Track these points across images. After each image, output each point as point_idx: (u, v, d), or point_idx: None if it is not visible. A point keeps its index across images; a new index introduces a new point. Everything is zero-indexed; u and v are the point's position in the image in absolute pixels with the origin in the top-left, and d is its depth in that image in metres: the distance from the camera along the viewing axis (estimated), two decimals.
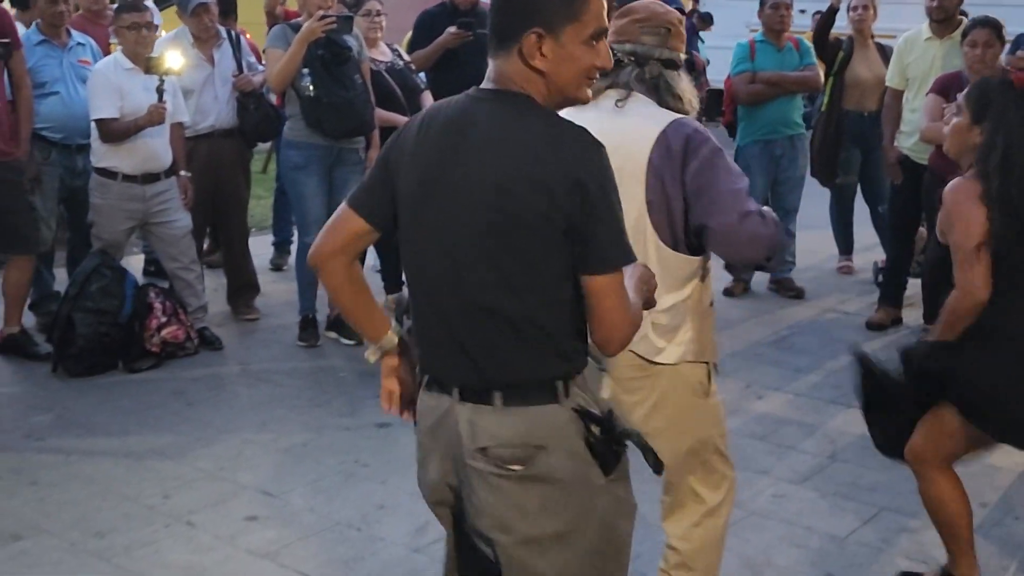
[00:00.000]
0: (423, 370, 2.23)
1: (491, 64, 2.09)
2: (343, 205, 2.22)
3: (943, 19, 6.04)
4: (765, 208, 2.71)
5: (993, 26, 5.44)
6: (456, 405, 2.13)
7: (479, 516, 2.14)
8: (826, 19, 6.80)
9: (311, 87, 5.39)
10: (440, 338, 2.13)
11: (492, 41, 2.07)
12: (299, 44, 5.32)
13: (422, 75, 6.31)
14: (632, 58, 2.77)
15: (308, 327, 5.82)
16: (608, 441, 2.12)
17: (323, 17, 5.30)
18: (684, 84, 2.81)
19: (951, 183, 3.24)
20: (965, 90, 3.39)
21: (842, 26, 6.87)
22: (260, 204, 8.58)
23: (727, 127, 7.48)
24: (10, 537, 3.76)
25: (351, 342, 5.76)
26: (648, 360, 2.79)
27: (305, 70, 5.39)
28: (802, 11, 10.53)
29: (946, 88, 5.51)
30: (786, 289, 6.92)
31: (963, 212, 3.14)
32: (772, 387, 5.33)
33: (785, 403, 5.13)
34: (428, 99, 6.05)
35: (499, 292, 2.05)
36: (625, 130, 2.66)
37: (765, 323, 6.44)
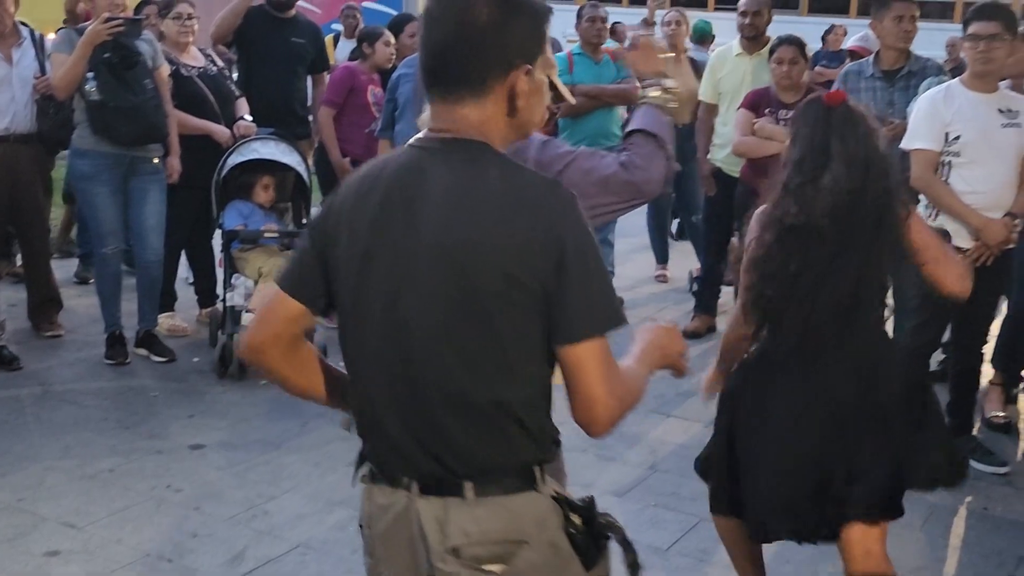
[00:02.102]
0: (370, 459, 1.92)
1: (440, 109, 1.81)
2: (272, 287, 1.92)
3: (753, 36, 6.25)
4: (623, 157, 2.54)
5: (797, 44, 5.66)
6: (417, 500, 1.83)
7: None
8: None
9: (96, 92, 5.16)
10: (390, 428, 1.83)
11: (449, 85, 1.79)
12: (83, 47, 5.12)
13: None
14: None
15: (115, 344, 5.54)
16: (590, 533, 1.88)
17: (108, 19, 5.09)
18: None
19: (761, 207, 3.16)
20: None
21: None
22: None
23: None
24: None
25: (163, 359, 5.52)
26: None
27: (90, 74, 5.17)
28: (617, 23, 10.76)
29: (756, 103, 5.71)
30: None
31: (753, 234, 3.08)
32: None
33: None
34: (243, 106, 5.88)
35: (462, 375, 1.76)
36: None
37: None
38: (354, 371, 1.89)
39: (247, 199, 5.70)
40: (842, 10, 13.28)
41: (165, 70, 5.50)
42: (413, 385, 1.79)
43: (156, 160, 5.49)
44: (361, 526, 1.97)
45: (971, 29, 4.35)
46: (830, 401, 2.96)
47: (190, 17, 5.83)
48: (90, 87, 5.18)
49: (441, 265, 1.73)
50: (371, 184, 1.82)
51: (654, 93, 2.63)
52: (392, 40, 6.41)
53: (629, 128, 2.55)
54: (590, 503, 1.92)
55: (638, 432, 4.91)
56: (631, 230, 7.75)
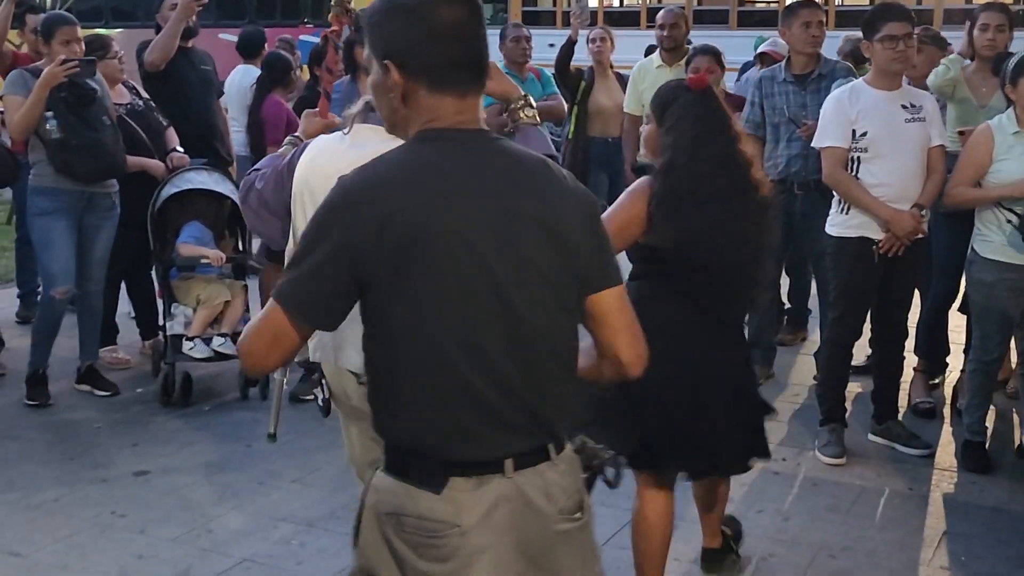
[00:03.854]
0: (451, 453, 1.94)
1: (459, 104, 1.95)
2: (280, 310, 1.90)
3: (672, 48, 6.44)
4: None
5: (713, 53, 5.84)
6: (514, 478, 1.94)
7: None
8: (566, 51, 7.09)
9: (57, 130, 5.21)
10: (490, 397, 1.92)
11: (473, 76, 1.97)
12: (41, 89, 5.16)
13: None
14: None
15: (38, 384, 5.49)
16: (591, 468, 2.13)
17: (64, 61, 5.16)
18: None
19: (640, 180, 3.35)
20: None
21: (580, 58, 7.19)
22: (4, 255, 8.17)
23: None
24: None
25: (106, 393, 5.55)
26: None
27: (49, 113, 5.21)
28: (551, 45, 10.94)
29: None
30: None
31: (626, 204, 3.23)
32: None
33: None
34: (172, 136, 5.92)
35: (560, 327, 1.98)
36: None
37: None
38: (443, 360, 1.91)
39: (201, 222, 5.77)
40: (771, 23, 13.54)
41: (112, 106, 5.55)
42: (523, 345, 1.93)
43: (113, 195, 5.54)
44: (433, 537, 1.93)
45: (886, 30, 4.48)
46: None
47: (120, 57, 5.90)
48: (51, 126, 5.22)
49: (532, 230, 1.92)
50: (434, 183, 1.90)
51: (527, 113, 2.76)
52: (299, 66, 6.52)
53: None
54: (583, 442, 2.14)
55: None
56: None
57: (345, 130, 2.80)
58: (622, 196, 3.31)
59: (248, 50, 7.69)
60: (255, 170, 3.01)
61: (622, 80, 7.20)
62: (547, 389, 1.97)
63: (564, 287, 1.96)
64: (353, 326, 2.00)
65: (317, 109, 3.38)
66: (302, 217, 2.75)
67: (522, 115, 2.75)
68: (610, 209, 3.26)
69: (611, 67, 7.31)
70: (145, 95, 6.05)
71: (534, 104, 2.80)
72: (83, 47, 5.40)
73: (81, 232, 5.46)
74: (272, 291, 1.93)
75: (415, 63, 1.93)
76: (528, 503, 1.96)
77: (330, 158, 2.72)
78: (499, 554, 1.95)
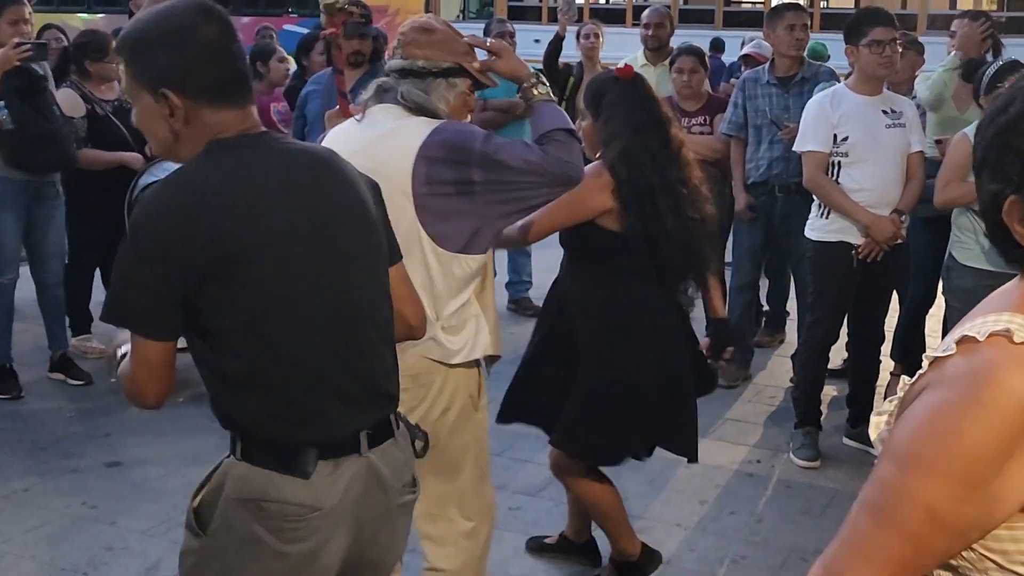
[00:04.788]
0: (315, 438, 2.02)
1: (242, 113, 2.02)
2: (144, 341, 1.95)
3: (657, 47, 6.44)
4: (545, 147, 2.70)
5: (696, 54, 5.83)
6: (369, 456, 2.07)
7: (387, 554, 2.21)
8: (554, 47, 7.08)
9: (9, 121, 5.08)
10: (340, 381, 2.04)
11: (246, 86, 2.05)
12: None
13: None
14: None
15: (6, 378, 5.42)
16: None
17: (18, 44, 5.01)
18: (439, 90, 2.75)
19: (590, 166, 3.33)
20: (582, 92, 3.62)
21: (568, 54, 7.19)
22: None
23: None
24: None
25: (79, 382, 5.51)
26: (439, 362, 2.80)
27: (0, 102, 5.09)
28: (536, 40, 10.95)
29: None
30: (524, 308, 7.11)
31: (584, 196, 3.19)
32: None
33: None
34: None
35: (374, 302, 2.13)
36: (384, 145, 2.68)
37: (506, 342, 6.58)
38: (284, 353, 1.98)
39: None
40: (756, 23, 13.59)
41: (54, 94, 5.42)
42: (354, 326, 2.06)
43: (57, 184, 5.45)
44: (294, 520, 1.99)
45: (873, 35, 4.48)
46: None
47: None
48: (3, 116, 5.09)
49: (341, 217, 2.06)
50: (249, 191, 1.96)
51: (541, 90, 2.77)
52: (286, 56, 6.46)
53: (543, 129, 2.70)
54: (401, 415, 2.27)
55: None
56: (549, 240, 7.85)
57: (358, 116, 2.81)
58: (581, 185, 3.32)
59: None
60: None
61: None
62: (377, 363, 2.11)
63: (376, 265, 2.14)
64: None
65: (338, 108, 3.51)
66: None
67: (535, 92, 2.76)
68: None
69: (599, 64, 7.30)
70: None
71: (546, 82, 2.80)
72: (32, 28, 5.27)
73: (31, 225, 5.38)
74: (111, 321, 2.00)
75: (194, 85, 1.97)
76: (379, 479, 2.09)
77: (345, 139, 2.75)
78: (348, 529, 2.07)
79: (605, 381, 3.40)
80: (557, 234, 3.51)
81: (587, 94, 3.48)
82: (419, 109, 2.73)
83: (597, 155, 3.42)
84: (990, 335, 1.19)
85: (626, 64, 3.52)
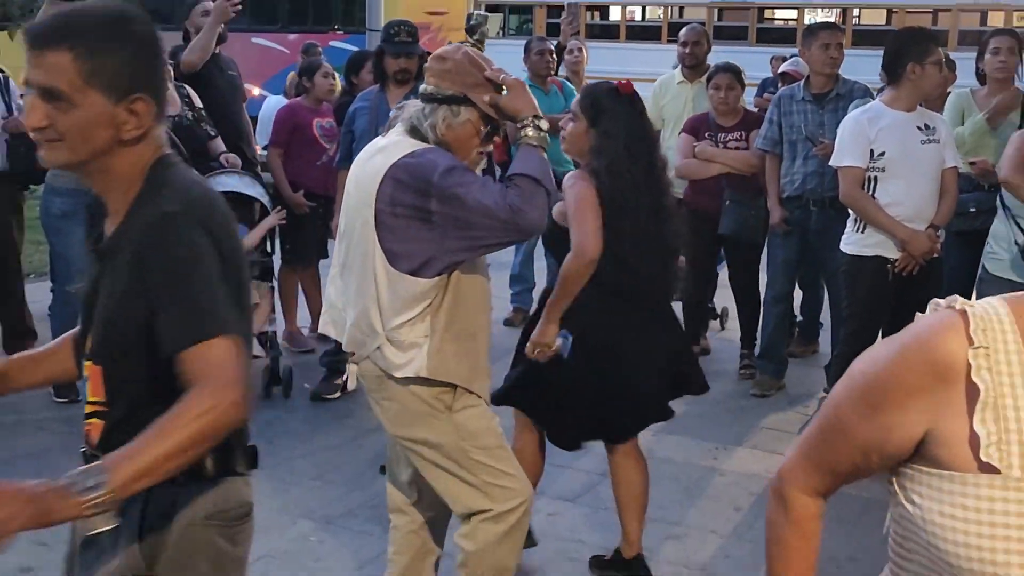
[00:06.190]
0: (241, 454, 2.03)
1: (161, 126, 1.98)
2: (228, 344, 1.76)
3: (694, 65, 6.53)
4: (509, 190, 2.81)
5: (734, 71, 5.93)
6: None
7: None
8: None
9: None
10: None
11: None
12: None
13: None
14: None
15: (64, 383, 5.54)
16: None
17: None
18: (436, 116, 2.88)
19: (571, 174, 3.53)
20: (577, 98, 3.72)
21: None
22: (39, 250, 8.29)
23: (500, 166, 7.77)
24: None
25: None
26: (384, 372, 2.99)
27: None
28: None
29: (696, 128, 5.98)
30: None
31: (585, 213, 3.40)
32: None
33: None
34: (218, 145, 5.89)
35: None
36: (375, 157, 2.93)
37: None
38: None
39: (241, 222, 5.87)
40: (789, 40, 13.63)
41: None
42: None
43: None
44: (244, 519, 2.04)
45: (935, 56, 4.62)
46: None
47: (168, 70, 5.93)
48: None
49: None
50: (213, 203, 1.92)
51: (531, 133, 2.87)
52: (331, 70, 6.57)
53: (511, 171, 2.82)
54: None
55: (588, 443, 5.10)
56: None
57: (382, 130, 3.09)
58: (575, 193, 3.46)
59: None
60: None
61: None
62: None
63: None
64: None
65: None
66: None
67: (523, 133, 2.87)
68: (573, 201, 3.45)
69: (585, 80, 7.42)
70: (199, 103, 5.89)
71: (544, 127, 2.88)
72: None
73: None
74: (208, 333, 1.77)
75: (159, 91, 1.82)
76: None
77: (366, 147, 3.06)
78: None
79: (590, 374, 3.60)
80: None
81: (585, 99, 3.59)
82: (413, 131, 2.92)
83: (580, 157, 3.59)
84: (949, 306, 1.37)
85: (628, 80, 3.63)
